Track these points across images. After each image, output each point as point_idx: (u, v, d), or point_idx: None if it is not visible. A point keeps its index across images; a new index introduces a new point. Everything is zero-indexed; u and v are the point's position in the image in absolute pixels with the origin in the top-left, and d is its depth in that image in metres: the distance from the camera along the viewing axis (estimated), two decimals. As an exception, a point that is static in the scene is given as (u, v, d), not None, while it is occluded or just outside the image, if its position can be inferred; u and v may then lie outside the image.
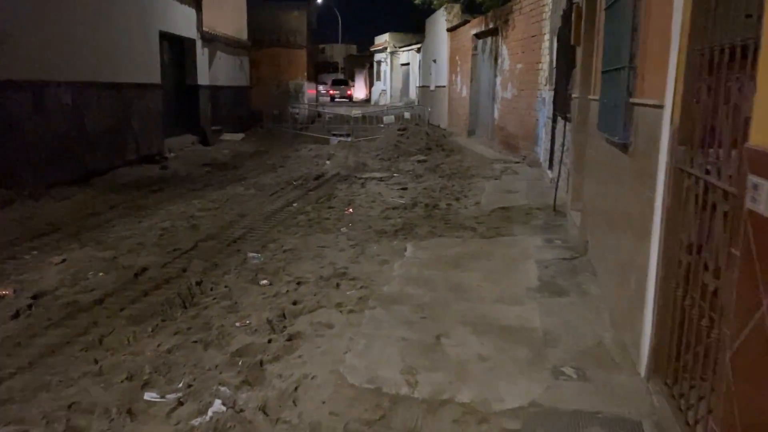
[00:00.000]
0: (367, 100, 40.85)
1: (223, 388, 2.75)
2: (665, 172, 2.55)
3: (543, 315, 3.60)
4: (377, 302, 3.78)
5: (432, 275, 4.35)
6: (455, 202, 7.21)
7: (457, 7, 17.34)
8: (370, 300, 3.82)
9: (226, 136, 15.00)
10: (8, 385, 2.81)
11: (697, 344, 2.20)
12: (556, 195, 6.58)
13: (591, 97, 4.90)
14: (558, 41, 7.76)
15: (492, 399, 2.63)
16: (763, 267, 1.59)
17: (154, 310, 3.77)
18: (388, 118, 18.18)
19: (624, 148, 3.39)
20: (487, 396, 2.65)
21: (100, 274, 4.47)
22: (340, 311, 3.65)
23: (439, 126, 18.52)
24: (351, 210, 6.82)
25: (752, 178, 1.66)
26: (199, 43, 13.69)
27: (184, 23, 12.82)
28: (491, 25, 13.56)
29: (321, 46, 47.46)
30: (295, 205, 7.17)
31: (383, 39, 34.41)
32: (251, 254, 4.85)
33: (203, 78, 14.11)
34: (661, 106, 2.65)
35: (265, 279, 4.28)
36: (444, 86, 18.85)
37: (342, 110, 21.56)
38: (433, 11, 19.50)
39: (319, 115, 21.49)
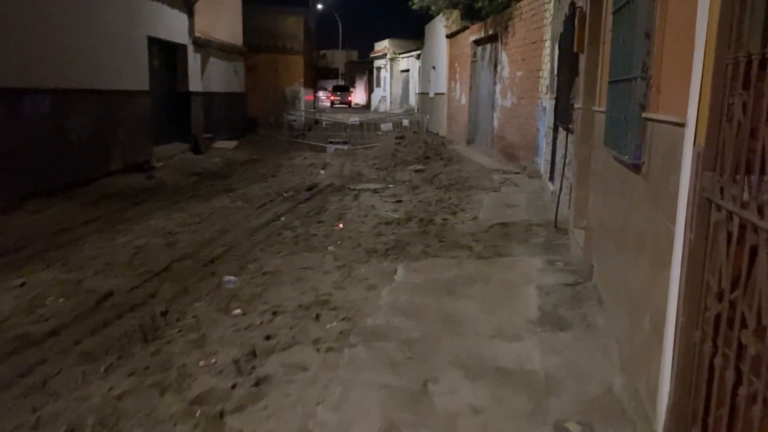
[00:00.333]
0: (367, 106, 40.56)
1: (172, 449, 2.37)
2: (688, 202, 2.17)
3: (544, 354, 3.21)
4: (359, 338, 3.39)
5: (423, 303, 3.97)
6: (452, 217, 6.83)
7: (455, 13, 16.97)
8: (351, 335, 3.43)
9: (219, 144, 14.59)
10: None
11: (731, 412, 1.81)
12: (557, 211, 6.20)
13: (596, 108, 4.53)
14: (559, 48, 7.40)
15: (485, 466, 2.25)
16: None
17: (112, 344, 3.38)
18: (386, 126, 17.75)
19: (635, 168, 3.02)
20: (479, 462, 2.27)
21: (60, 300, 4.09)
22: (317, 349, 3.26)
23: (438, 134, 18.15)
24: (341, 225, 6.44)
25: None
26: (190, 49, 13.32)
27: (174, 28, 12.45)
28: (491, 32, 13.21)
29: (322, 52, 47.33)
30: (282, 219, 6.79)
31: (383, 45, 34.16)
32: (227, 278, 4.47)
33: (195, 84, 13.72)
34: (682, 124, 2.28)
35: (238, 308, 3.89)
36: (443, 93, 18.50)
37: (340, 117, 21.16)
38: (432, 17, 19.16)
39: (317, 122, 21.09)
